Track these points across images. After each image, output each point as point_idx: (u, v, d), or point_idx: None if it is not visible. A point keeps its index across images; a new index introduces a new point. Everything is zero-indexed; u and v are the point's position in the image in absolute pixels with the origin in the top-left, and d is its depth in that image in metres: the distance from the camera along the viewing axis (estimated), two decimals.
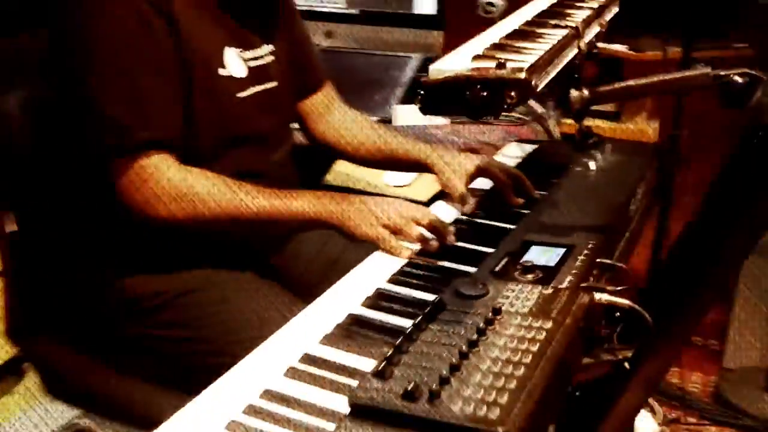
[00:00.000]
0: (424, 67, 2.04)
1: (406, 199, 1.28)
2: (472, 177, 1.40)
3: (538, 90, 0.78)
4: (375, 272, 1.13)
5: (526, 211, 1.31)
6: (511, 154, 1.63)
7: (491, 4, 2.07)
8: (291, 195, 1.24)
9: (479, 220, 1.30)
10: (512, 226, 1.24)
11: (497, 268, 1.07)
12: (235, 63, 1.32)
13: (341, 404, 0.80)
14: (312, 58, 1.57)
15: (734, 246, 0.93)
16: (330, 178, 1.88)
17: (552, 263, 1.07)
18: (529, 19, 1.05)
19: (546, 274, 1.04)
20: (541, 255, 1.10)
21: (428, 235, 1.21)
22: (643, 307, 0.96)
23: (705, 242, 0.95)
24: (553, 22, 1.00)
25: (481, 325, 0.85)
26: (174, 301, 1.29)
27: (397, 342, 0.84)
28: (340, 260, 1.44)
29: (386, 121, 2.00)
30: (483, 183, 1.44)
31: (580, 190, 1.38)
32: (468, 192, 1.36)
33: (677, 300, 0.99)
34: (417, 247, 1.19)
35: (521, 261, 1.07)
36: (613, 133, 2.23)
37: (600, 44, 1.14)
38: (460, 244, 1.20)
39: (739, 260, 1.18)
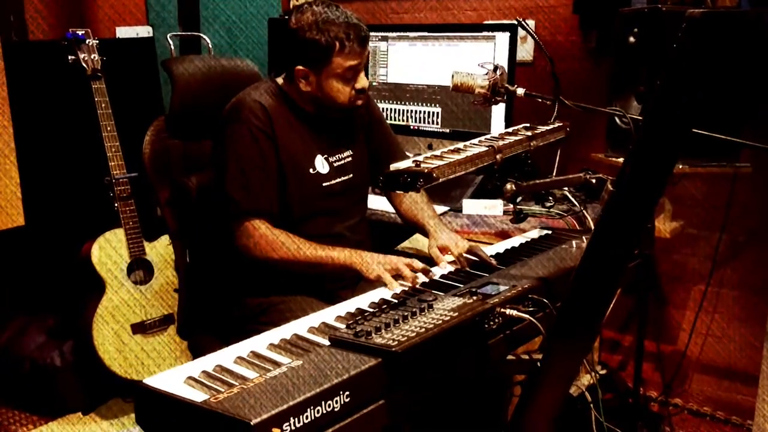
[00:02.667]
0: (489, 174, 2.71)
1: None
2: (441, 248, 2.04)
3: (440, 180, 1.44)
4: (384, 293, 1.80)
5: (502, 267, 1.91)
6: (529, 236, 2.24)
7: None
8: (331, 248, 1.96)
9: (470, 270, 1.92)
10: (486, 274, 1.86)
11: (457, 292, 1.69)
12: (322, 164, 2.09)
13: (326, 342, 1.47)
14: (397, 154, 2.31)
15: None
16: (404, 245, 2.59)
17: (492, 292, 1.69)
18: (473, 140, 1.70)
19: (484, 297, 1.65)
20: (491, 288, 1.72)
21: (409, 274, 1.83)
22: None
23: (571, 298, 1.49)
24: (484, 142, 1.64)
25: (416, 311, 1.51)
26: (270, 309, 2.04)
27: (366, 314, 1.51)
28: None
29: (457, 210, 2.67)
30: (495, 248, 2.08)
31: (551, 259, 1.94)
32: (441, 254, 2.00)
33: (561, 321, 1.56)
34: (408, 284, 1.83)
35: (474, 290, 1.69)
36: None
37: None
38: (449, 281, 1.84)
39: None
